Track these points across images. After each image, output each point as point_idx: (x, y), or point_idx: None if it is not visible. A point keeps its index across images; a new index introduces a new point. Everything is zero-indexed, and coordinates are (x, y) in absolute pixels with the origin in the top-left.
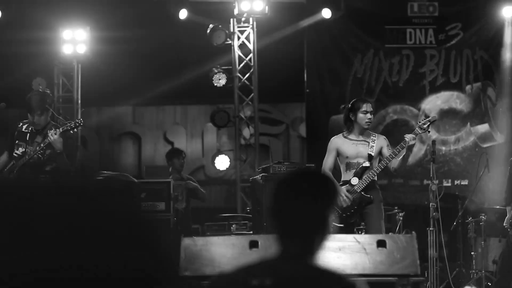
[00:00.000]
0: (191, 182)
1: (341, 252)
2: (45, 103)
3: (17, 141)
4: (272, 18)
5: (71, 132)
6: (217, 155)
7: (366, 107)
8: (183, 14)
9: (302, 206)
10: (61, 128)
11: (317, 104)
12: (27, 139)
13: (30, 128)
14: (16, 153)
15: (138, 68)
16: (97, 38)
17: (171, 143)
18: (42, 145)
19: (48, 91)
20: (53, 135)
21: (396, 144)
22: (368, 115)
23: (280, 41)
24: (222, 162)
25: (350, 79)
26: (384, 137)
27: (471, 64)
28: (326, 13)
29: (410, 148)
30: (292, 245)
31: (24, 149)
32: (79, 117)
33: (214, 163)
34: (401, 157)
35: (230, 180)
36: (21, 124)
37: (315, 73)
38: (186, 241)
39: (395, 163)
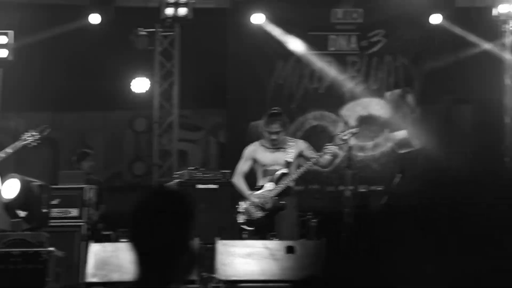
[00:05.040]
0: None
1: (249, 258)
2: None
3: None
4: (197, 24)
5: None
6: (135, 161)
7: (272, 127)
8: (95, 18)
9: (160, 230)
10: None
11: (237, 110)
12: None
13: None
14: None
15: (58, 73)
16: (19, 43)
17: (90, 149)
18: None
19: None
20: None
21: (316, 150)
22: (273, 136)
23: (203, 47)
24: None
25: (272, 85)
26: (303, 140)
27: (392, 71)
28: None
29: (335, 155)
30: (152, 271)
31: None
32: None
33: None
34: (326, 160)
35: (147, 187)
36: None
37: (237, 79)
38: (95, 247)
39: (322, 162)
